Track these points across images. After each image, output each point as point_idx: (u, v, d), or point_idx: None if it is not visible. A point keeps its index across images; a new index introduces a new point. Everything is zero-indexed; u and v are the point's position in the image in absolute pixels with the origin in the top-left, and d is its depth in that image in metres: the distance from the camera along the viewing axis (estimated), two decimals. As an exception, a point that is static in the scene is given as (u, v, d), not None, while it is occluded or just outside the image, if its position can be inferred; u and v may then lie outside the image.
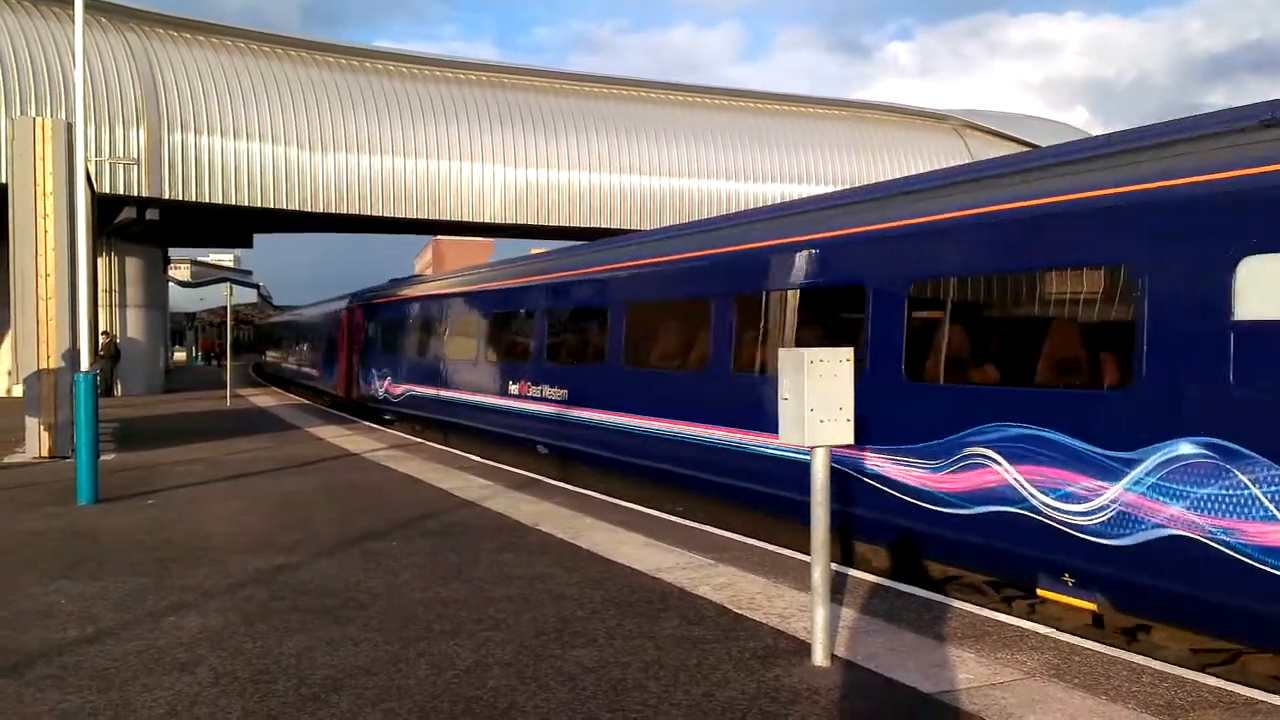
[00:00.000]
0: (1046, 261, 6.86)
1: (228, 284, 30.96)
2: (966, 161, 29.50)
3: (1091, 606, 6.62)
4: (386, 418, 23.28)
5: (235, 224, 33.81)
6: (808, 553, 6.25)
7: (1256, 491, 5.43)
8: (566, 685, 5.33)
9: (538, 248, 33.21)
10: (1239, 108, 6.40)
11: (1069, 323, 6.85)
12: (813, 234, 9.41)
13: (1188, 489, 5.79)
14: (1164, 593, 5.98)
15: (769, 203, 33.28)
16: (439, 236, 74.26)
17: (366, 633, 6.29)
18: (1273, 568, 5.36)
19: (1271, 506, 5.37)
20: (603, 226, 33.28)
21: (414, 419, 21.43)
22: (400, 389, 21.98)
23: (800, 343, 9.22)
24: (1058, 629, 6.48)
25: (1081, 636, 6.31)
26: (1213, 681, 5.38)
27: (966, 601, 7.17)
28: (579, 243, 22.27)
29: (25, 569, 8.07)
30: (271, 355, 52.81)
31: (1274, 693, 5.26)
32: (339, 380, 28.70)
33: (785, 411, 5.71)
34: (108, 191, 26.00)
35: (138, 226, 28.22)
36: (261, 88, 30.10)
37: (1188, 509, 5.78)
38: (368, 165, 31.24)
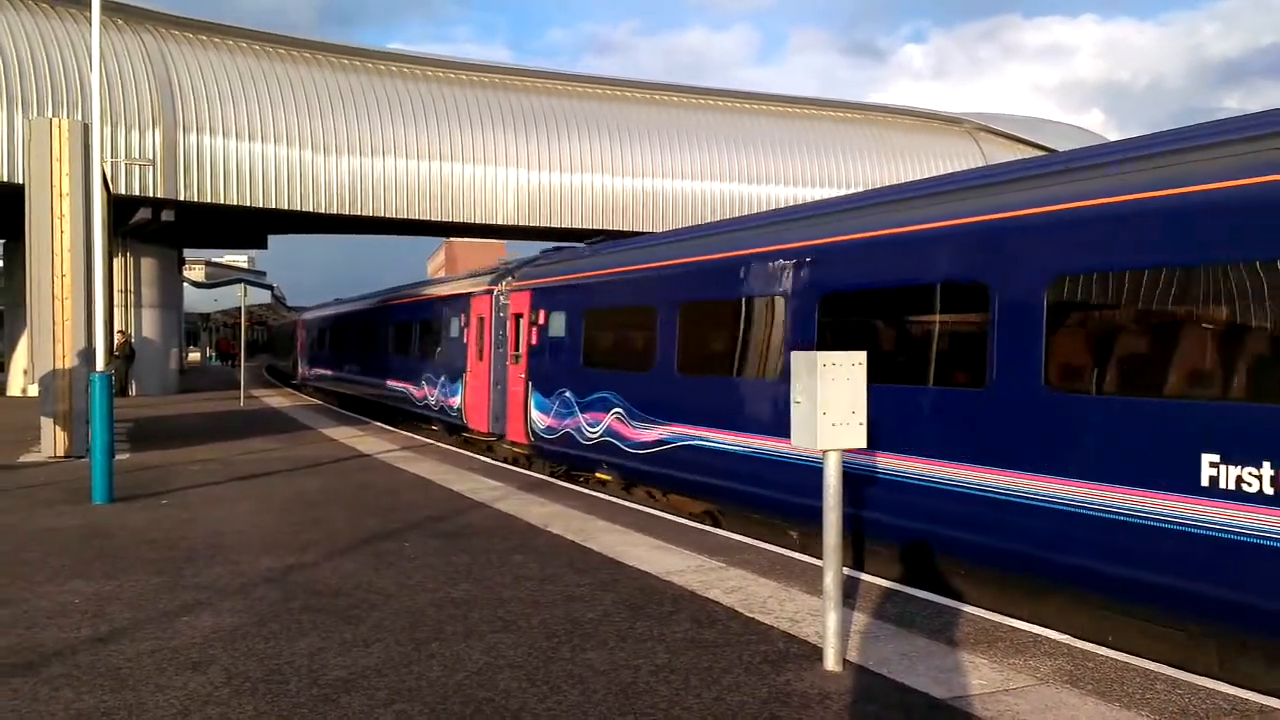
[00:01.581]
0: None
1: (242, 285, 31.13)
2: (980, 165, 29.24)
3: None
4: (601, 476, 13.63)
5: (250, 225, 33.99)
6: (819, 556, 6.24)
7: None
8: (577, 687, 5.33)
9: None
10: None
11: None
12: None
13: None
14: None
15: (779, 206, 33.29)
16: (451, 239, 74.49)
17: (378, 633, 6.30)
18: None
19: None
20: (616, 229, 33.33)
21: (694, 490, 11.54)
22: (654, 432, 11.88)
23: None
24: (1071, 635, 6.44)
25: (1095, 643, 6.27)
26: (1227, 689, 5.35)
27: (979, 606, 7.14)
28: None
29: (40, 568, 8.12)
30: (310, 362, 38.75)
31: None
32: (470, 405, 18.67)
33: (797, 414, 5.70)
34: (123, 192, 26.17)
35: (153, 227, 28.39)
36: (276, 90, 30.25)
37: None
38: (381, 167, 31.35)
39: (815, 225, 9.95)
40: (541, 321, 15.55)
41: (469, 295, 19.16)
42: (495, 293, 17.74)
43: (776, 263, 10.06)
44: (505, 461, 16.09)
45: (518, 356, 16.37)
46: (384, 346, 26.35)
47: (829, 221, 9.77)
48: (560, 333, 14.88)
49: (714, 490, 11.09)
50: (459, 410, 19.32)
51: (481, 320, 18.28)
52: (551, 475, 14.28)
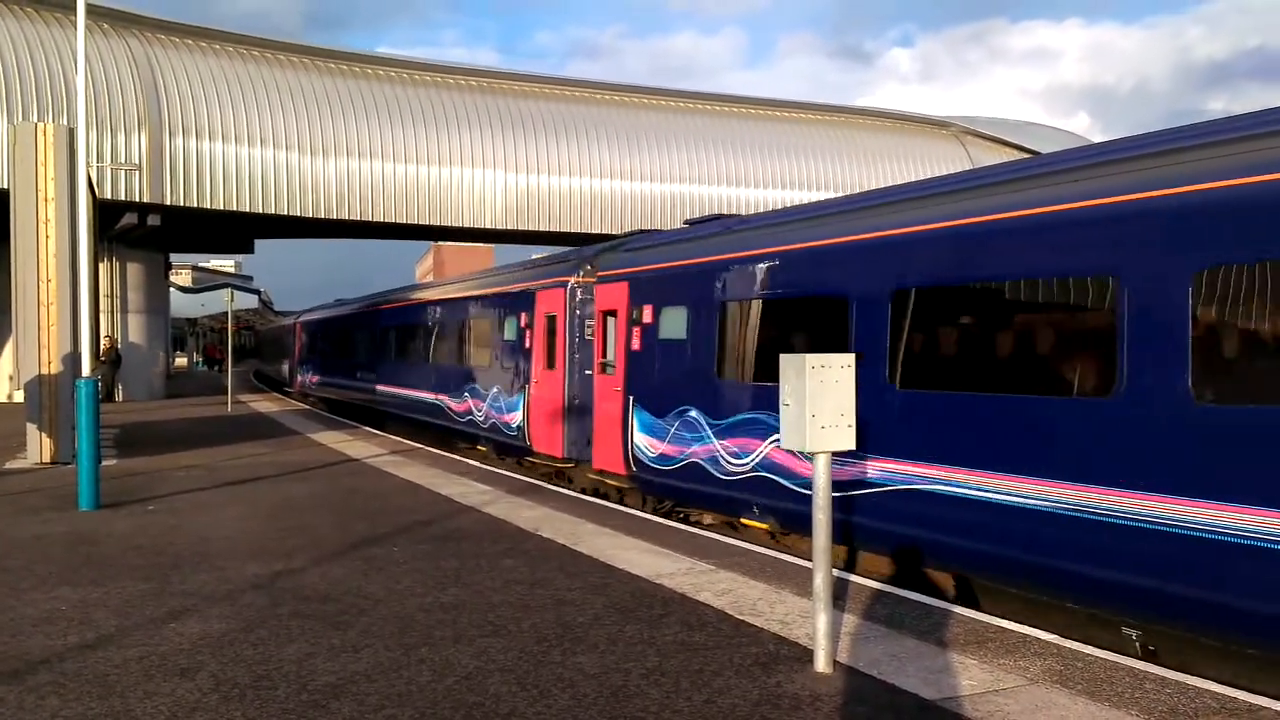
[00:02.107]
0: None
1: (229, 289, 31.02)
2: (967, 168, 29.07)
3: None
4: (751, 523, 10.56)
5: (236, 229, 33.88)
6: (809, 559, 6.24)
7: None
8: (567, 691, 5.32)
9: (538, 253, 33.32)
10: None
11: None
12: None
13: None
14: None
15: (768, 209, 33.34)
16: (440, 242, 74.39)
17: (367, 638, 6.28)
18: None
19: None
20: (604, 232, 33.34)
21: (931, 552, 8.15)
22: (849, 469, 8.59)
23: None
24: (1061, 635, 6.46)
25: (1084, 643, 6.29)
26: (1215, 688, 5.37)
27: (969, 607, 7.15)
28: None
29: (26, 575, 8.06)
30: (311, 369, 35.25)
31: (1277, 698, 5.25)
32: (536, 423, 15.37)
33: (786, 417, 5.71)
34: (109, 197, 26.06)
35: (139, 232, 28.28)
36: (263, 93, 30.17)
37: None
38: (368, 171, 31.30)
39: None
40: (647, 319, 12.16)
41: (532, 290, 15.74)
42: (571, 285, 14.39)
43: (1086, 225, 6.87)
44: (585, 493, 13.25)
45: (608, 365, 13.21)
46: (412, 351, 22.87)
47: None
48: (679, 333, 11.50)
49: (963, 555, 7.75)
50: (519, 429, 15.89)
51: (552, 320, 14.89)
52: (654, 513, 11.84)
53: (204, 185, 28.68)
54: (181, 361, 69.23)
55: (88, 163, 15.21)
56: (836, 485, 7.80)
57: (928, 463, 7.84)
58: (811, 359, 5.58)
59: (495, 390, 17.16)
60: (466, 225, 33.45)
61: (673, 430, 11.42)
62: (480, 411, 17.85)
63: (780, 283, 9.98)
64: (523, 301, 16.09)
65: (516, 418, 16.06)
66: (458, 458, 16.86)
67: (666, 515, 11.80)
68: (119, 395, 29.24)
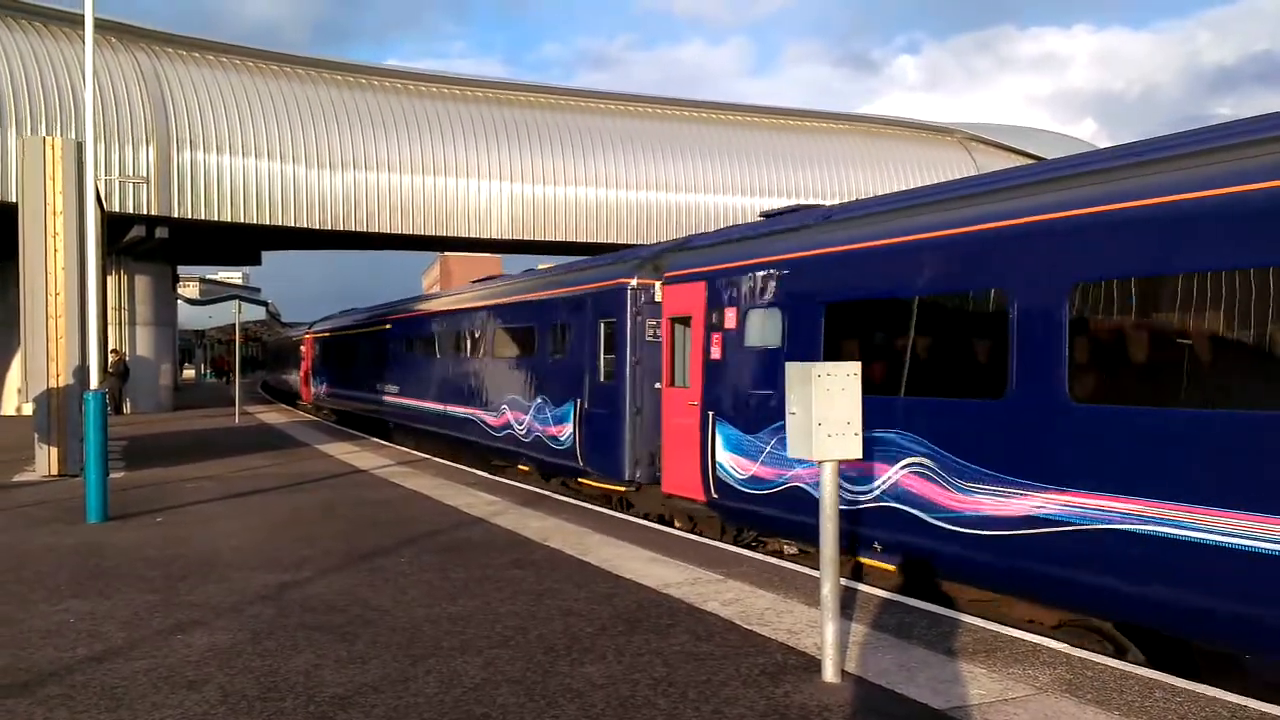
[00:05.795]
0: None
1: (237, 301, 31.12)
2: (971, 174, 29.02)
3: None
4: None
5: (244, 241, 34.03)
6: (817, 568, 6.23)
7: None
8: (575, 702, 5.31)
9: (545, 263, 33.37)
10: None
11: None
12: None
13: None
14: None
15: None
16: (446, 253, 74.58)
17: (374, 650, 6.28)
18: None
19: None
20: (610, 242, 33.38)
21: None
22: None
23: None
24: (1070, 644, 6.43)
25: (1094, 652, 6.26)
26: (1228, 697, 5.34)
27: (977, 616, 7.13)
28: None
29: (35, 587, 8.08)
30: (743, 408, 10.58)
31: (1289, 708, 5.20)
32: None
33: (792, 425, 5.70)
34: (117, 210, 26.19)
35: (147, 244, 28.40)
36: (270, 106, 30.31)
37: None
38: (375, 182, 31.41)
39: None
40: None
41: None
42: None
43: None
44: None
45: None
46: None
47: None
48: None
49: None
50: None
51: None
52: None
53: (211, 198, 28.81)
54: (189, 373, 69.49)
55: (95, 176, 15.28)
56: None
57: None
58: (818, 367, 5.57)
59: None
60: (473, 236, 33.55)
61: None
62: None
63: None
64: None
65: None
66: (465, 468, 16.78)
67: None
68: (127, 408, 29.32)
